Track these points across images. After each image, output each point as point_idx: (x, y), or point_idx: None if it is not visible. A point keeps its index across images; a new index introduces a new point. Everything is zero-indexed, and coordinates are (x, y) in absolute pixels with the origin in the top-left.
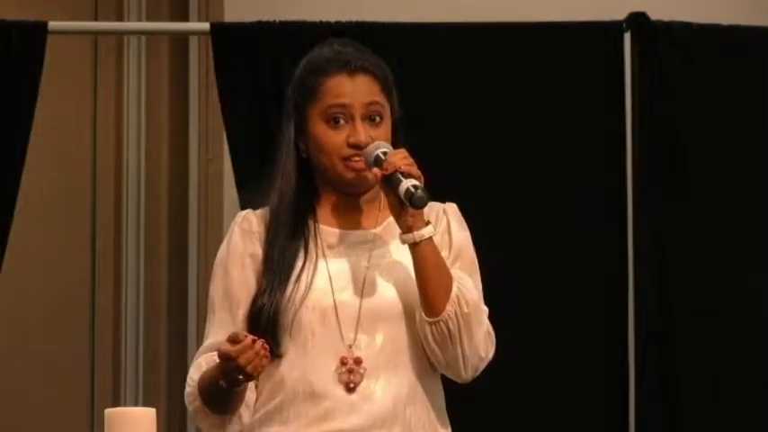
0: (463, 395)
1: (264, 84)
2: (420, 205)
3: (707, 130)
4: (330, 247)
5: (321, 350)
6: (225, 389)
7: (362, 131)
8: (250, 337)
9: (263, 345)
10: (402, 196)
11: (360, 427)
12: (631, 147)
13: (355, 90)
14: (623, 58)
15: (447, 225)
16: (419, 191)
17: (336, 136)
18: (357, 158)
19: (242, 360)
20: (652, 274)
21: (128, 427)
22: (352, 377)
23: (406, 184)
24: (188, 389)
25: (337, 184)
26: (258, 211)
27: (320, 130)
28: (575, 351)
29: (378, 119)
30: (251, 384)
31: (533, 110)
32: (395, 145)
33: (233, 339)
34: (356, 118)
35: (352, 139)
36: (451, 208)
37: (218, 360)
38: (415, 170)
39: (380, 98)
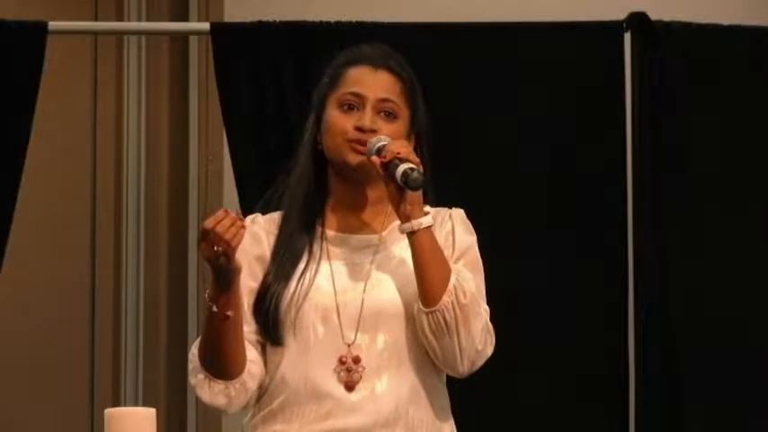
0: (463, 394)
1: (264, 84)
2: (415, 186)
3: (707, 130)
4: (334, 249)
5: (322, 349)
6: (218, 317)
7: (369, 117)
8: (223, 209)
9: (237, 213)
10: (399, 179)
11: (363, 427)
12: (631, 146)
13: (375, 83)
14: (623, 58)
15: (452, 228)
16: (415, 172)
17: (346, 120)
18: (362, 145)
19: (219, 228)
20: (652, 273)
21: (128, 427)
22: (350, 376)
23: (403, 167)
24: (190, 365)
25: (342, 170)
26: (267, 216)
27: (333, 114)
28: (575, 351)
29: (391, 116)
30: (257, 359)
31: (533, 110)
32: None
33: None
34: (367, 107)
35: (358, 123)
36: (458, 213)
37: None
38: (413, 157)
39: (398, 99)
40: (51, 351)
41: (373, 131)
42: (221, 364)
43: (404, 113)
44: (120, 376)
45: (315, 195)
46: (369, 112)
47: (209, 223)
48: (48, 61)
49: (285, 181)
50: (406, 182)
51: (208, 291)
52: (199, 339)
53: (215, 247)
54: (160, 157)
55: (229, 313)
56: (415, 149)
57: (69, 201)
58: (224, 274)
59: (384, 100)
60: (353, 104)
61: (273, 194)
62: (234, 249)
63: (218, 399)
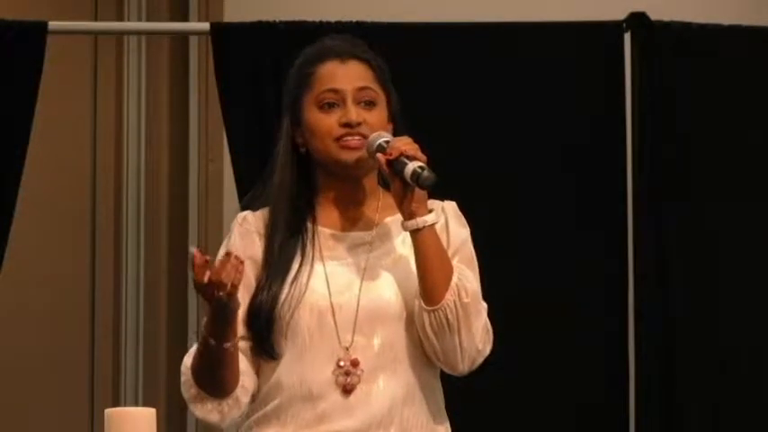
0: (462, 394)
1: (264, 84)
2: (428, 185)
3: (707, 131)
4: (328, 249)
5: (318, 353)
6: (215, 348)
7: (354, 111)
8: (220, 259)
9: (235, 257)
10: (409, 178)
11: (357, 430)
12: (631, 147)
13: (347, 75)
14: (623, 58)
15: (445, 222)
16: (426, 171)
17: (328, 119)
18: (349, 137)
19: (225, 277)
20: (652, 274)
21: (128, 427)
22: (349, 379)
23: (413, 165)
24: (183, 378)
25: (334, 169)
26: (257, 213)
27: (314, 116)
28: (574, 350)
29: (371, 104)
30: (248, 370)
31: (533, 110)
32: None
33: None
34: (348, 101)
35: (343, 119)
36: (450, 205)
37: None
38: (420, 154)
39: (374, 85)
40: (51, 350)
41: (360, 124)
42: (216, 385)
43: (381, 99)
44: (120, 376)
45: (301, 197)
46: (351, 106)
47: (213, 275)
48: (48, 61)
49: (266, 184)
50: (419, 181)
51: (204, 322)
52: (192, 354)
53: (217, 293)
54: (160, 157)
55: (227, 345)
56: (395, 133)
57: (69, 200)
58: (225, 310)
59: (362, 89)
60: (332, 102)
61: (257, 196)
62: (236, 289)
63: (212, 415)
